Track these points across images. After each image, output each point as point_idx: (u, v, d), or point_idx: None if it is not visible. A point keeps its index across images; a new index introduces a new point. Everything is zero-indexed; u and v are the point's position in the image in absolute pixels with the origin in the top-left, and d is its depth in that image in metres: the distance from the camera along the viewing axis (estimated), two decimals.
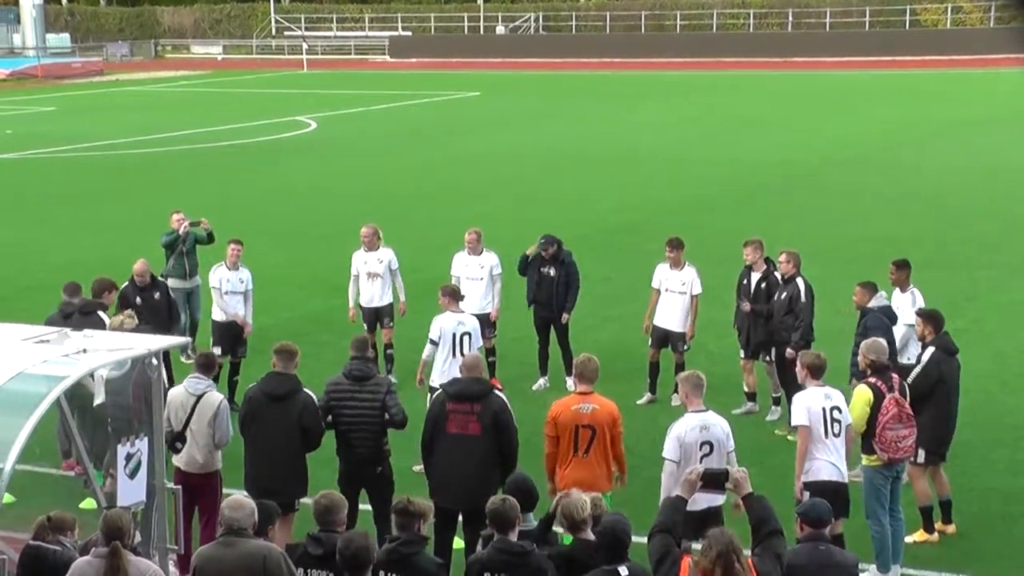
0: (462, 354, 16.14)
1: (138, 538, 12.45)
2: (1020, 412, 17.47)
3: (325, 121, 58.25)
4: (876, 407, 13.31)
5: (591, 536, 10.00)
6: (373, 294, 20.10)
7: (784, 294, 17.65)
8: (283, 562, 9.83)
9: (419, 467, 14.60)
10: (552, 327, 19.89)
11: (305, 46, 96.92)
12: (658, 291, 19.18)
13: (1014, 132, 48.58)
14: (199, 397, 13.84)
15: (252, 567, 9.74)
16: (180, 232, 21.29)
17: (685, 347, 19.11)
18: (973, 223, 31.55)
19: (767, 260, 18.28)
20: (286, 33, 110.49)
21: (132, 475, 11.83)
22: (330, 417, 13.79)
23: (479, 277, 19.73)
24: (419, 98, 68.38)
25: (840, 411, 13.06)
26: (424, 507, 10.21)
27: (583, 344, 19.84)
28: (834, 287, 21.22)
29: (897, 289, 16.94)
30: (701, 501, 11.64)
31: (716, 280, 20.25)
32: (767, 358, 18.25)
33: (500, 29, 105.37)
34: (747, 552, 9.53)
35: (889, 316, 15.96)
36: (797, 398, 13.24)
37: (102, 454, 13.83)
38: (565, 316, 19.74)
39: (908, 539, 14.19)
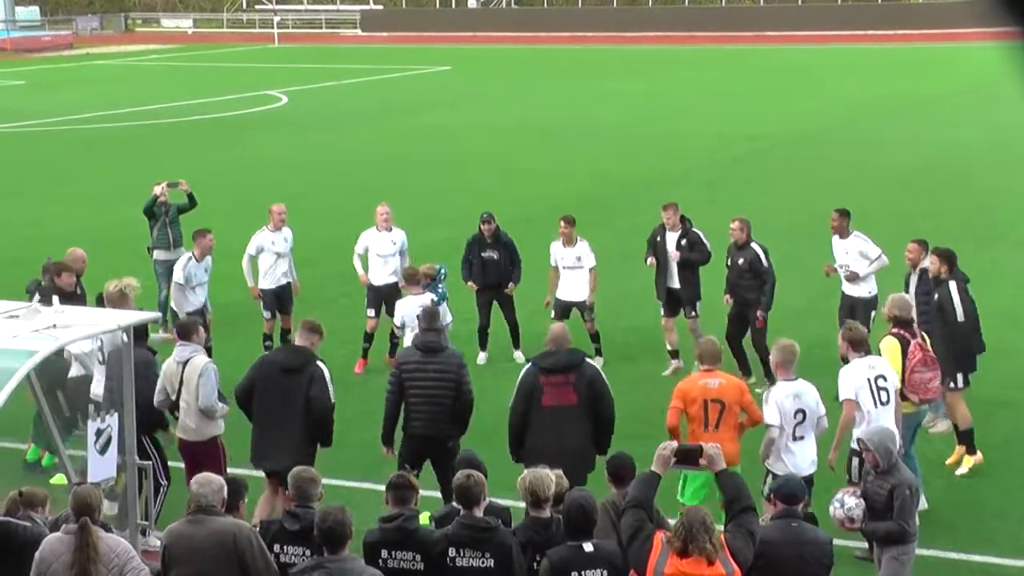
0: None
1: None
2: (984, 387, 17.53)
3: (296, 95, 58.01)
4: (903, 354, 14.09)
5: (548, 514, 10.00)
6: (278, 275, 19.87)
7: (741, 259, 18.48)
8: (253, 539, 9.78)
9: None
10: (497, 303, 19.98)
11: (276, 19, 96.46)
12: (556, 268, 19.73)
13: (985, 105, 48.68)
14: (185, 363, 13.86)
15: (222, 544, 9.69)
16: (157, 193, 21.16)
17: (593, 315, 19.64)
18: (942, 197, 31.63)
19: (683, 219, 19.24)
20: (257, 7, 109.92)
21: (102, 451, 11.78)
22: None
23: (391, 253, 19.86)
24: (390, 72, 68.14)
25: (886, 379, 13.48)
26: (416, 481, 10.21)
27: (548, 322, 19.89)
28: (804, 261, 21.30)
29: (837, 236, 18.36)
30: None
31: None
32: (692, 313, 19.23)
33: (472, 3, 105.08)
34: (720, 528, 9.56)
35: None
36: (843, 372, 13.61)
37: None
38: (512, 286, 19.84)
39: (960, 471, 15.43)
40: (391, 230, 20.05)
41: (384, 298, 19.73)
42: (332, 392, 13.63)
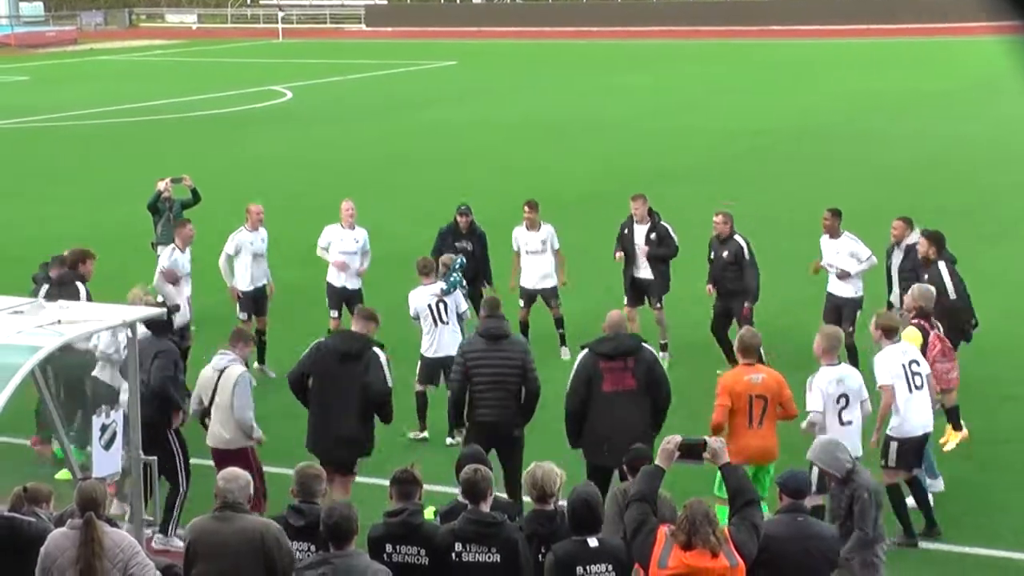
0: (443, 321, 16.41)
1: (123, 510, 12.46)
2: (991, 382, 17.52)
3: (300, 91, 58.01)
4: (924, 345, 14.41)
5: (551, 507, 10.02)
6: (256, 276, 19.46)
7: (725, 252, 18.81)
8: (280, 538, 9.74)
9: (413, 434, 15.06)
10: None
11: (280, 15, 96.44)
12: (518, 253, 19.93)
13: (990, 99, 48.58)
14: (221, 372, 13.80)
15: (250, 542, 9.67)
16: (161, 189, 21.15)
17: (558, 301, 19.84)
18: (946, 193, 31.52)
19: (651, 212, 19.47)
20: (261, 2, 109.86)
21: (107, 446, 11.79)
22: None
23: (353, 251, 19.76)
24: (395, 67, 68.11)
25: (919, 364, 13.77)
26: (420, 476, 10.24)
27: (540, 313, 19.87)
28: (807, 259, 21.24)
29: (827, 236, 18.57)
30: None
31: (685, 251, 20.18)
32: (658, 304, 19.46)
33: None
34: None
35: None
36: (878, 359, 13.87)
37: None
38: (488, 286, 19.81)
39: (948, 447, 15.62)
40: (354, 228, 19.90)
41: (346, 297, 19.65)
42: (390, 376, 13.62)
